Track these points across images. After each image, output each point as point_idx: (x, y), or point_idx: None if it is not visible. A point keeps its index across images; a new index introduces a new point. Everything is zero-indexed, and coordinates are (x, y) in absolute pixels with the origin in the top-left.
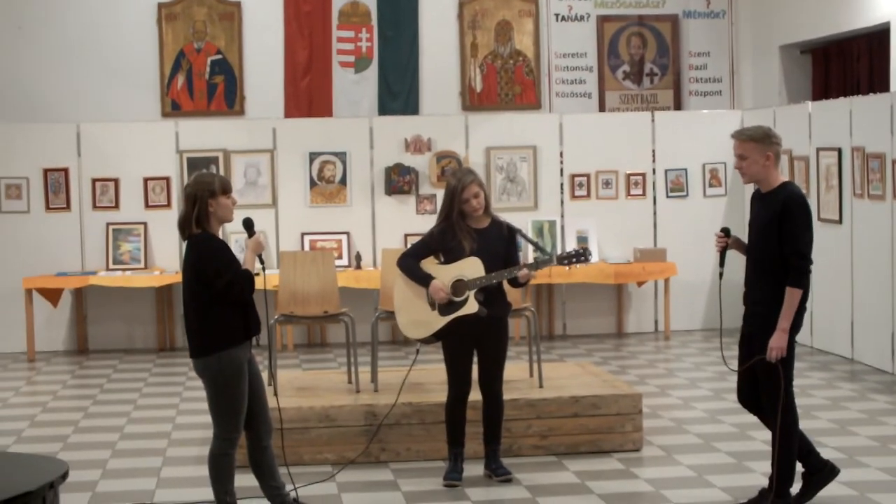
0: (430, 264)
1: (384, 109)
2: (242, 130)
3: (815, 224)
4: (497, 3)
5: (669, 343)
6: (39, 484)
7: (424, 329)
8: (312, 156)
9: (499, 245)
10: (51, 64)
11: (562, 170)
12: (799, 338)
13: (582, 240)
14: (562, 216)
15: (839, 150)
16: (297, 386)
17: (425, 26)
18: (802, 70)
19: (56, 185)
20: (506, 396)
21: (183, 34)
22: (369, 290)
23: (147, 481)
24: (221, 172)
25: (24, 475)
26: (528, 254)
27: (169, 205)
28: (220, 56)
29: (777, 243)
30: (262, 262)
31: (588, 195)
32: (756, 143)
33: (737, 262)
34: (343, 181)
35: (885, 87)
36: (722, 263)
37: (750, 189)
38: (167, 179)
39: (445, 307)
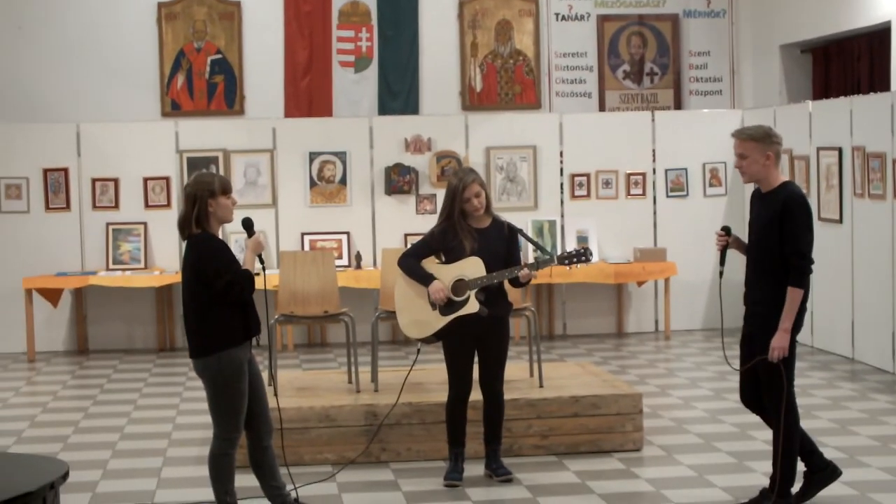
0: (431, 264)
1: (384, 109)
2: (242, 130)
3: (816, 224)
4: (497, 3)
5: (670, 343)
6: (40, 484)
7: (425, 329)
8: (312, 155)
9: (500, 245)
10: (51, 64)
11: (562, 169)
12: (799, 337)
13: (582, 240)
14: (562, 216)
15: (839, 150)
16: (297, 386)
17: (425, 26)
18: (803, 69)
19: (56, 185)
20: (506, 396)
21: (183, 34)
22: (369, 289)
23: (147, 481)
24: (221, 172)
25: (24, 476)
26: (529, 254)
27: (169, 205)
28: (220, 56)
29: (777, 243)
30: (261, 262)
31: (588, 195)
32: (756, 143)
33: (737, 262)
34: (343, 181)
35: (885, 87)
36: (722, 262)
37: (750, 189)
38: (167, 179)
39: (446, 307)
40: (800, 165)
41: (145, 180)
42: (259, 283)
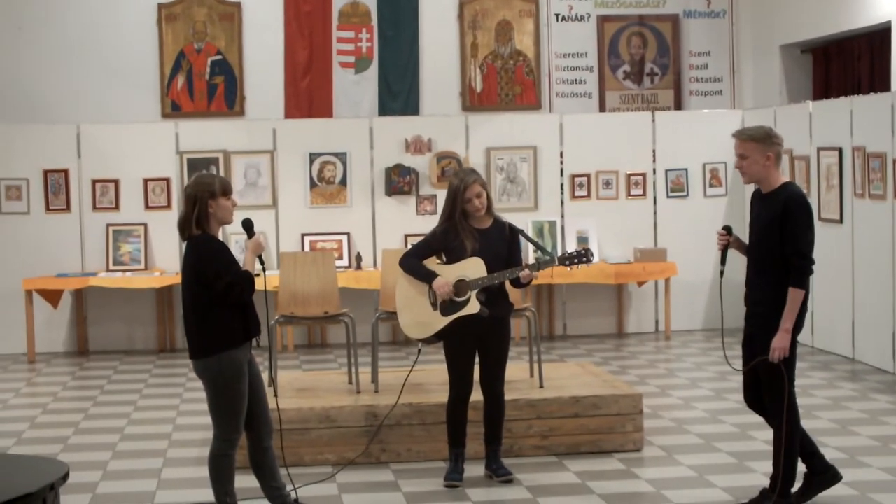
0: (432, 264)
1: (384, 110)
2: (242, 131)
3: (816, 224)
4: (497, 3)
5: (670, 343)
6: (40, 485)
7: (426, 329)
8: (312, 156)
9: (501, 245)
10: (51, 64)
11: (562, 170)
12: (800, 337)
13: (582, 240)
14: (562, 216)
15: (840, 150)
16: (297, 387)
17: (425, 26)
18: (803, 69)
19: (56, 186)
20: (506, 397)
21: (183, 35)
22: (369, 290)
23: (147, 482)
24: (221, 173)
25: (24, 477)
26: (529, 254)
27: (169, 206)
28: (220, 56)
29: (778, 244)
30: (262, 263)
31: (588, 195)
32: (757, 143)
33: (737, 262)
34: (343, 182)
35: (885, 87)
36: (723, 261)
37: (750, 189)
38: (167, 180)
39: (447, 307)
40: (800, 165)
41: (145, 181)
42: (259, 284)
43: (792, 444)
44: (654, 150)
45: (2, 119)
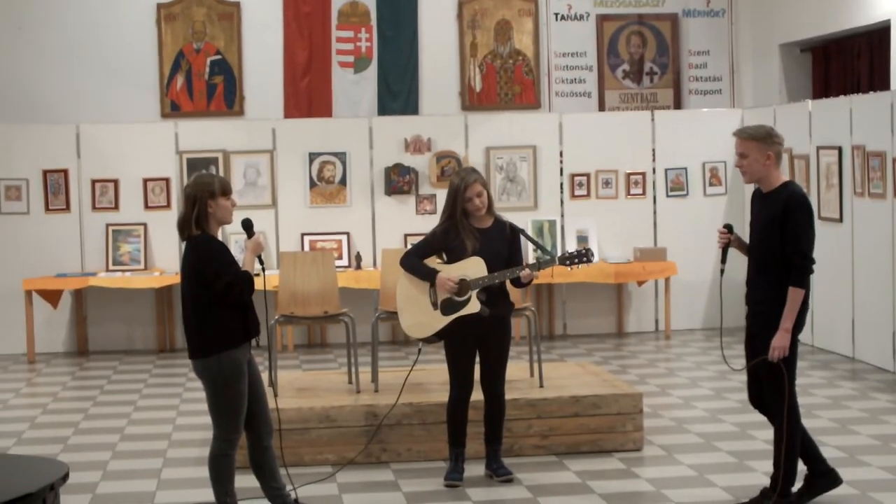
0: (433, 264)
1: (384, 109)
2: (242, 131)
3: (816, 223)
4: (496, 3)
5: (670, 342)
6: (40, 486)
7: (427, 329)
8: (312, 156)
9: (501, 245)
10: (51, 64)
11: (562, 169)
12: (800, 336)
13: (582, 239)
14: (562, 216)
15: (839, 149)
16: (297, 387)
17: (425, 26)
18: (802, 68)
19: (56, 186)
20: (507, 396)
21: (182, 34)
22: (369, 290)
23: (147, 482)
24: (221, 173)
25: (24, 477)
26: (529, 254)
27: (169, 206)
28: (219, 56)
29: (779, 243)
30: (261, 263)
31: (588, 195)
32: (757, 142)
33: (738, 261)
34: (343, 181)
35: (885, 86)
36: (724, 260)
37: (750, 188)
38: (167, 180)
39: (448, 307)
40: (800, 165)
41: (145, 181)
42: (259, 283)
43: (793, 443)
44: (653, 150)
45: (2, 119)
